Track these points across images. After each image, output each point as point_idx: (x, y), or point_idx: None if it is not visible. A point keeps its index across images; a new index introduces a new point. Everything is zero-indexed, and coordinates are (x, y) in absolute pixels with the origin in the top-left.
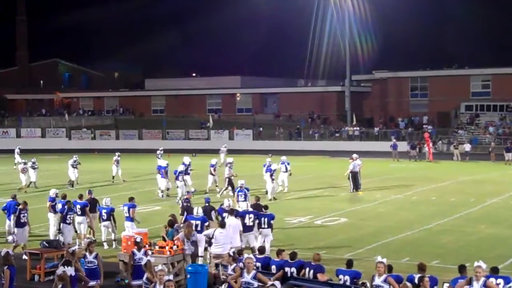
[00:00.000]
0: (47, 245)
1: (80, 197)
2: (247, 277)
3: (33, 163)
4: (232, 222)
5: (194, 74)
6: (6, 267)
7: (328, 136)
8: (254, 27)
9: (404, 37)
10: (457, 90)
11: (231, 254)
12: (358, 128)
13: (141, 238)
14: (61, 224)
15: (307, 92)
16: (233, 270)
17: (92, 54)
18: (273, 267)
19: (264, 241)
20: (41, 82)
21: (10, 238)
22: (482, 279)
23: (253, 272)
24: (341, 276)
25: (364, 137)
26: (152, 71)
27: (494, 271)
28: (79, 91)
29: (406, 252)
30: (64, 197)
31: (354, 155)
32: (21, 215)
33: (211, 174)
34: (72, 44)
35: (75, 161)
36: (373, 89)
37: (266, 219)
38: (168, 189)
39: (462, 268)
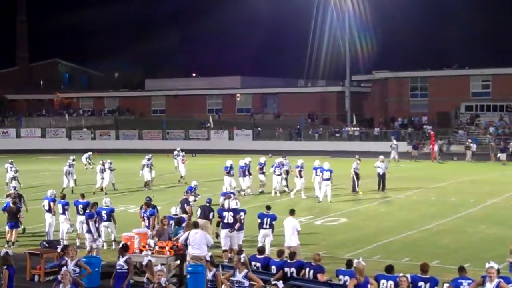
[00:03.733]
0: (47, 245)
1: (82, 196)
2: (239, 276)
3: (110, 163)
4: (290, 222)
5: (194, 74)
6: (5, 267)
7: (328, 136)
8: (254, 27)
9: (404, 37)
10: (457, 90)
11: (208, 259)
12: (358, 128)
13: (125, 244)
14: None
15: (307, 92)
16: (214, 275)
17: (92, 54)
18: (273, 267)
19: (264, 241)
20: (41, 82)
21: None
22: (496, 280)
23: (245, 271)
24: (341, 277)
25: (364, 137)
26: (152, 71)
27: None
28: (79, 91)
29: (406, 252)
30: (63, 197)
31: (381, 157)
32: None
33: (299, 176)
34: (72, 44)
35: (149, 159)
36: (373, 89)
37: (268, 219)
38: (248, 187)
39: (461, 269)
